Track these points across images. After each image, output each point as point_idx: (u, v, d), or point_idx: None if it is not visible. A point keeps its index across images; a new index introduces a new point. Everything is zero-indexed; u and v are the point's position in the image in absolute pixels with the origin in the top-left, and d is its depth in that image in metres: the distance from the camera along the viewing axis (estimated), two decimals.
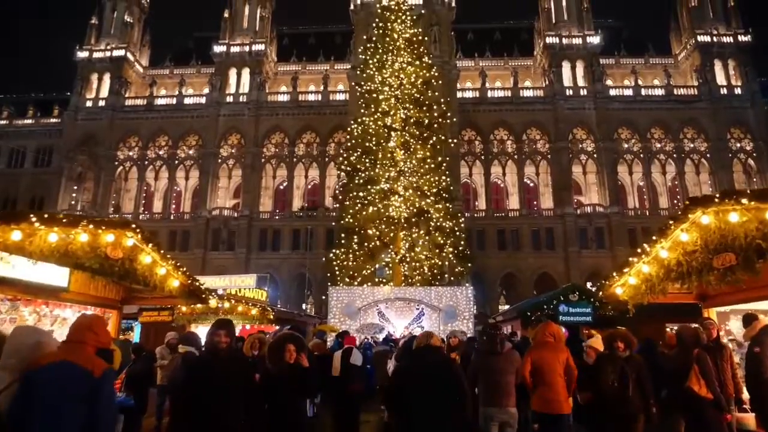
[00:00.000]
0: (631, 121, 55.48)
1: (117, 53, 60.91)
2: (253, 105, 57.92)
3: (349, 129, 27.26)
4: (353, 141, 26.53)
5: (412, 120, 25.51)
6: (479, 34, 65.82)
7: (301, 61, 64.46)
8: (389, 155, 24.85)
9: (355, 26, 54.60)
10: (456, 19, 57.23)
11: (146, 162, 58.67)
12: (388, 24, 27.67)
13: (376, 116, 25.58)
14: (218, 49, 60.26)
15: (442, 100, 27.90)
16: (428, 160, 25.03)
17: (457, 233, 24.91)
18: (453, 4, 55.33)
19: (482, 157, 56.07)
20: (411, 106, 25.70)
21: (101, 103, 59.44)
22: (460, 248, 24.53)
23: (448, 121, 27.36)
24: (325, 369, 8.06)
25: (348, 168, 25.61)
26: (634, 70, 58.14)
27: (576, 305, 14.08)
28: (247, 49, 60.09)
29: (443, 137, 26.35)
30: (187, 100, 60.01)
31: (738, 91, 55.38)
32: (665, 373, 6.61)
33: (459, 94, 54.57)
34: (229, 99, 58.93)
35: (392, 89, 25.85)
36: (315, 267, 45.51)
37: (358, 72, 29.50)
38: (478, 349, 7.25)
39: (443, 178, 25.50)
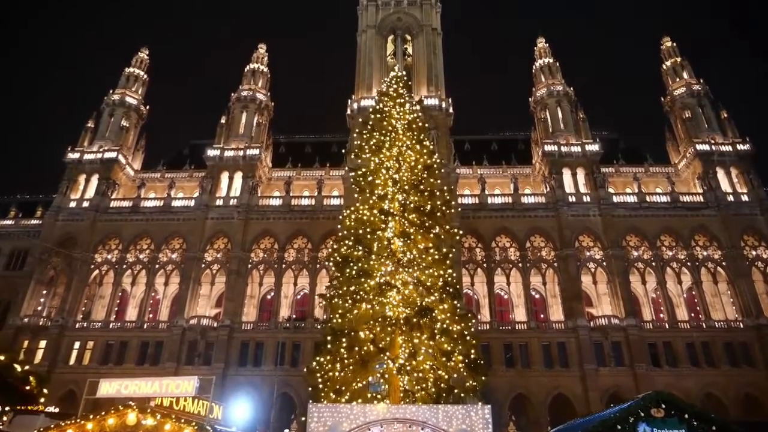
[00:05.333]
0: (639, 228, 53.17)
1: (108, 155, 59.98)
2: (243, 208, 55.56)
3: (341, 218, 24.00)
4: (345, 231, 23.13)
5: (411, 206, 22.42)
6: (476, 145, 66.14)
7: (296, 167, 63.43)
8: (385, 244, 21.35)
9: (352, 129, 54.12)
10: (453, 131, 57.34)
11: (124, 266, 54.92)
12: (386, 108, 25.74)
13: (371, 201, 22.53)
14: (212, 152, 59.40)
15: (444, 187, 25.07)
16: (431, 251, 21.50)
17: (467, 338, 20.56)
18: (450, 110, 55.43)
19: (484, 265, 52.75)
20: (411, 191, 22.76)
21: (85, 203, 57.21)
22: (472, 357, 20.05)
23: (452, 210, 24.18)
24: None
25: (338, 259, 21.94)
26: (636, 177, 57.14)
27: (663, 425, 9.62)
28: (241, 153, 59.24)
29: (447, 227, 23.07)
30: (175, 203, 57.70)
31: (745, 198, 53.92)
32: None
33: (458, 200, 52.58)
34: (219, 202, 56.77)
35: (389, 172, 23.09)
36: (300, 386, 40.40)
37: (353, 156, 27.00)
38: None
39: (449, 272, 21.76)
